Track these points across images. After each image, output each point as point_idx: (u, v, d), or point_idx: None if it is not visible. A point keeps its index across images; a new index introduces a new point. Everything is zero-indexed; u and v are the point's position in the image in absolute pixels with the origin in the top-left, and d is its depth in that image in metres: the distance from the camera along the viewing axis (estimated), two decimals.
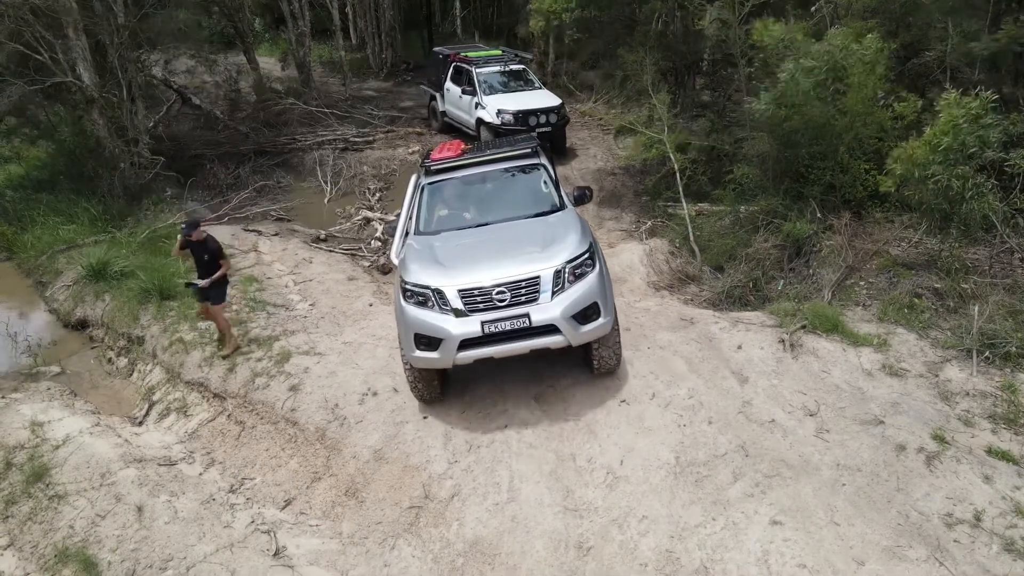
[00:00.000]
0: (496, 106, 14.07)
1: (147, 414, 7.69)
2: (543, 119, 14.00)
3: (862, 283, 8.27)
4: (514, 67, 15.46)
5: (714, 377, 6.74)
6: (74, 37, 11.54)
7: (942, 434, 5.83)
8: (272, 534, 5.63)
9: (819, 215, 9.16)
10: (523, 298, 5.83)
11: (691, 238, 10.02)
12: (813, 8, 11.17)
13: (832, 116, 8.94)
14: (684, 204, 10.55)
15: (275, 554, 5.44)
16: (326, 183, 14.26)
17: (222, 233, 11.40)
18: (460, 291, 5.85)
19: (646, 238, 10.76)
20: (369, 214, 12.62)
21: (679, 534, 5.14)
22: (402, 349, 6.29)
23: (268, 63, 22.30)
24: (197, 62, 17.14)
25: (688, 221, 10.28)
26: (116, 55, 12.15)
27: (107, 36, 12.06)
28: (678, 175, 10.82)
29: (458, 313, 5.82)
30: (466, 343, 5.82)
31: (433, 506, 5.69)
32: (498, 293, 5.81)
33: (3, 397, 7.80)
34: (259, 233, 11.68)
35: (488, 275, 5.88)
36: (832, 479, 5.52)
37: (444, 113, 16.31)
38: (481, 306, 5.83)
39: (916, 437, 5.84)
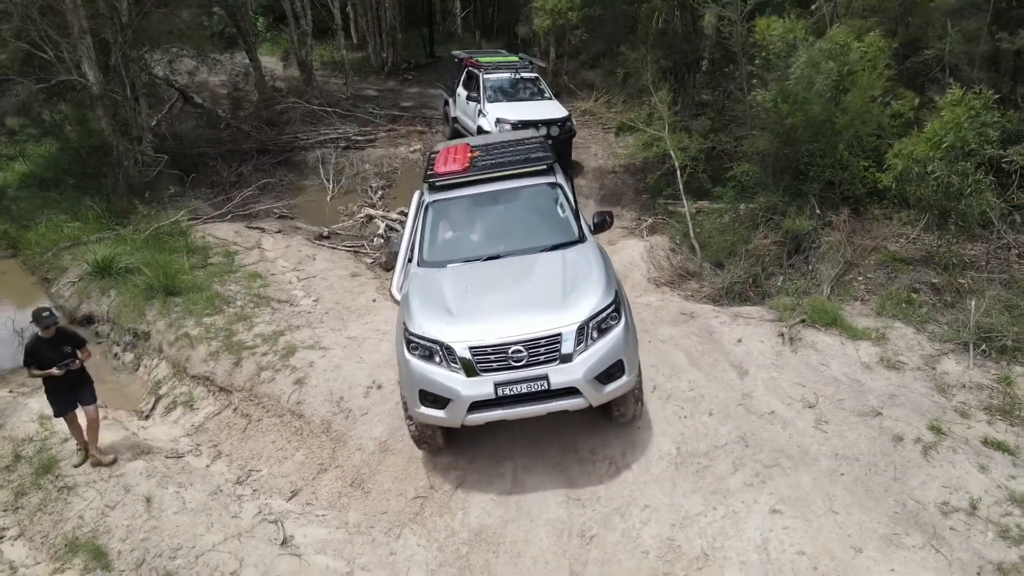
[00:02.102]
0: (497, 114, 13.38)
1: (154, 408, 7.77)
2: (544, 131, 13.23)
3: (860, 278, 8.36)
4: (526, 75, 14.71)
5: (714, 370, 6.83)
6: (79, 36, 11.62)
7: (939, 425, 5.92)
8: (279, 524, 5.72)
9: (818, 212, 9.25)
10: (541, 357, 5.17)
11: (691, 235, 10.11)
12: (813, 7, 11.27)
13: (833, 114, 9.02)
14: (684, 201, 10.63)
15: (283, 543, 5.53)
16: (328, 181, 14.35)
17: (225, 230, 11.54)
18: (472, 348, 5.17)
19: (647, 235, 10.85)
20: (371, 212, 12.71)
21: (680, 523, 5.23)
22: (404, 400, 5.69)
23: (270, 62, 22.38)
24: (199, 62, 17.22)
25: (688, 218, 10.36)
26: (120, 54, 12.23)
27: (111, 35, 12.14)
28: (678, 172, 10.90)
29: (469, 371, 5.18)
30: (477, 404, 5.23)
31: (438, 496, 5.78)
32: (514, 352, 5.14)
33: (11, 392, 7.89)
34: (262, 230, 11.77)
35: (503, 328, 5.21)
36: (830, 469, 5.61)
37: (455, 119, 15.62)
38: (495, 365, 5.17)
39: (913, 428, 5.93)
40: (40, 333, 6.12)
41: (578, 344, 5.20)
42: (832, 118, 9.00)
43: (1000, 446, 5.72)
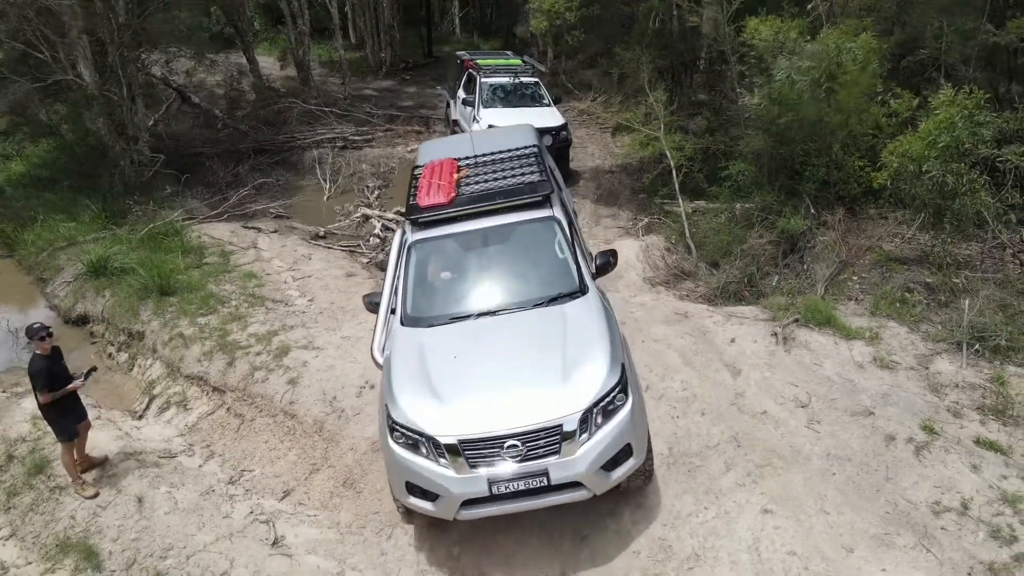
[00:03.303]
0: (490, 121, 12.71)
1: (147, 408, 7.77)
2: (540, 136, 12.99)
3: (855, 278, 8.36)
4: (525, 79, 14.15)
5: (707, 370, 6.83)
6: (75, 36, 11.61)
7: (931, 425, 5.92)
8: (271, 524, 5.71)
9: (813, 211, 9.25)
10: (540, 450, 4.61)
11: (687, 234, 10.10)
12: (809, 6, 11.27)
13: (826, 113, 9.02)
14: (680, 201, 10.63)
15: (274, 543, 5.53)
16: (325, 181, 14.33)
17: (222, 230, 11.53)
18: (462, 441, 4.59)
19: (643, 234, 10.85)
20: (368, 211, 12.70)
21: (672, 522, 5.23)
22: (391, 487, 5.14)
23: (267, 62, 22.35)
24: (196, 61, 17.22)
25: (684, 218, 10.36)
26: (116, 54, 12.22)
27: (107, 35, 12.13)
28: (674, 172, 10.90)
29: (459, 467, 4.61)
30: (471, 500, 4.70)
31: None
32: (510, 447, 4.58)
33: (5, 392, 7.89)
34: (258, 230, 11.76)
35: (497, 418, 4.62)
36: (822, 469, 5.60)
37: (455, 122, 15.00)
38: (488, 459, 4.62)
39: (906, 428, 5.92)
40: (37, 350, 5.91)
41: (581, 434, 4.62)
42: (824, 118, 9.00)
43: (992, 446, 5.72)
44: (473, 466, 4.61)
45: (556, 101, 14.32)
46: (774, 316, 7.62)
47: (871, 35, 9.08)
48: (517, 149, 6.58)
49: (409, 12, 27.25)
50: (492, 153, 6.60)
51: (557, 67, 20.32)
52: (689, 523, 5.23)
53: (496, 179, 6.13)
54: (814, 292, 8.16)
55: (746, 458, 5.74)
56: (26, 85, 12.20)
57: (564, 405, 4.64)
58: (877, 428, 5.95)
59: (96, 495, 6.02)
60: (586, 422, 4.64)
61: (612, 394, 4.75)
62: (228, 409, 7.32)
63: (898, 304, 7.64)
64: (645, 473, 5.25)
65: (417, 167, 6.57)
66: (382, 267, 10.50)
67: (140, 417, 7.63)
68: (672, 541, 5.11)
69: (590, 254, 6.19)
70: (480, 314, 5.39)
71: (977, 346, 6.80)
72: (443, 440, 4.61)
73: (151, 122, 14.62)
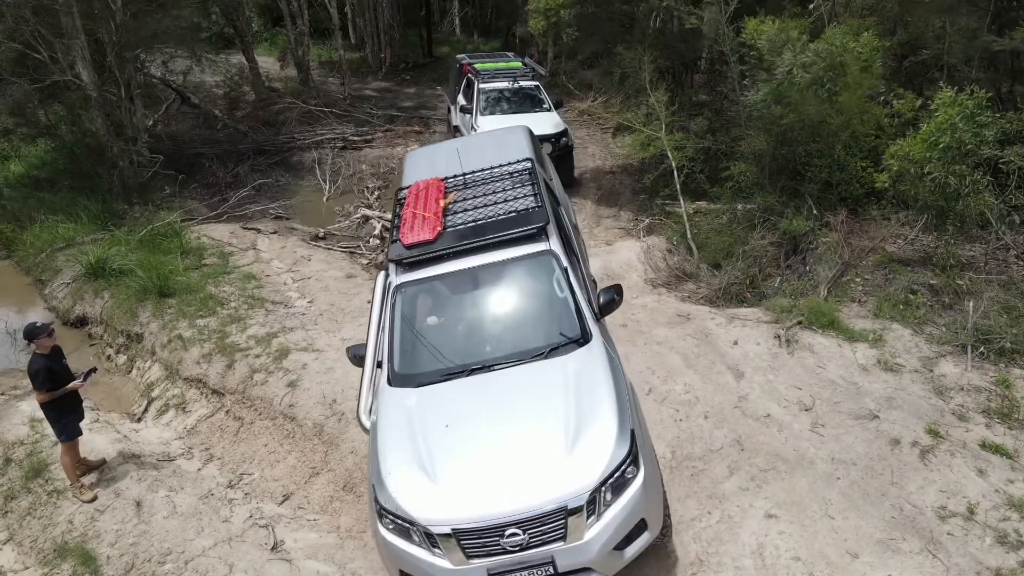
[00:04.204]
0: (486, 128, 12.11)
1: (146, 410, 7.72)
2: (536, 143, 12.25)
3: (858, 280, 8.31)
4: (524, 83, 13.65)
5: (710, 372, 6.78)
6: (73, 36, 11.56)
7: (936, 428, 5.87)
8: (270, 528, 5.67)
9: (816, 212, 9.20)
10: (545, 536, 4.14)
11: (688, 236, 10.06)
12: (811, 6, 11.23)
13: (828, 114, 8.98)
14: (682, 202, 10.58)
15: (273, 548, 5.48)
16: (325, 182, 14.29)
17: (221, 231, 11.48)
18: (457, 531, 4.11)
19: (644, 236, 10.81)
20: (368, 212, 12.66)
21: (674, 527, 5.17)
22: (387, 570, 4.71)
23: (267, 62, 22.32)
24: (195, 61, 17.17)
25: (685, 219, 10.32)
26: (114, 54, 12.17)
27: (106, 35, 12.08)
28: (676, 173, 10.85)
29: (455, 558, 4.17)
30: None
31: None
32: (511, 535, 4.09)
33: (2, 394, 7.84)
34: (258, 231, 11.71)
35: (494, 501, 4.12)
36: (827, 473, 5.55)
37: (456, 127, 14.34)
38: (487, 548, 4.15)
39: (910, 431, 5.87)
40: (37, 349, 5.86)
41: (589, 515, 4.14)
42: (827, 119, 8.96)
43: (998, 450, 5.67)
44: (471, 556, 4.14)
45: (557, 105, 13.96)
46: (777, 318, 7.57)
47: (873, 35, 9.03)
48: (509, 164, 6.08)
49: (409, 12, 27.21)
50: (482, 170, 6.10)
51: (557, 67, 20.29)
52: (692, 528, 5.19)
53: (487, 204, 5.62)
54: (817, 294, 8.11)
55: (750, 462, 5.69)
56: (24, 86, 12.16)
57: (569, 482, 4.14)
58: (882, 432, 5.90)
59: (95, 499, 5.97)
60: (594, 502, 4.14)
61: (622, 468, 4.24)
62: (227, 412, 7.28)
63: (902, 306, 7.59)
64: (665, 535, 4.91)
65: (401, 189, 6.10)
66: (383, 268, 10.44)
67: (139, 420, 7.59)
68: (675, 546, 5.06)
69: (592, 280, 5.78)
70: (473, 368, 4.85)
71: (982, 349, 6.76)
72: (436, 530, 4.13)
73: (150, 122, 14.58)
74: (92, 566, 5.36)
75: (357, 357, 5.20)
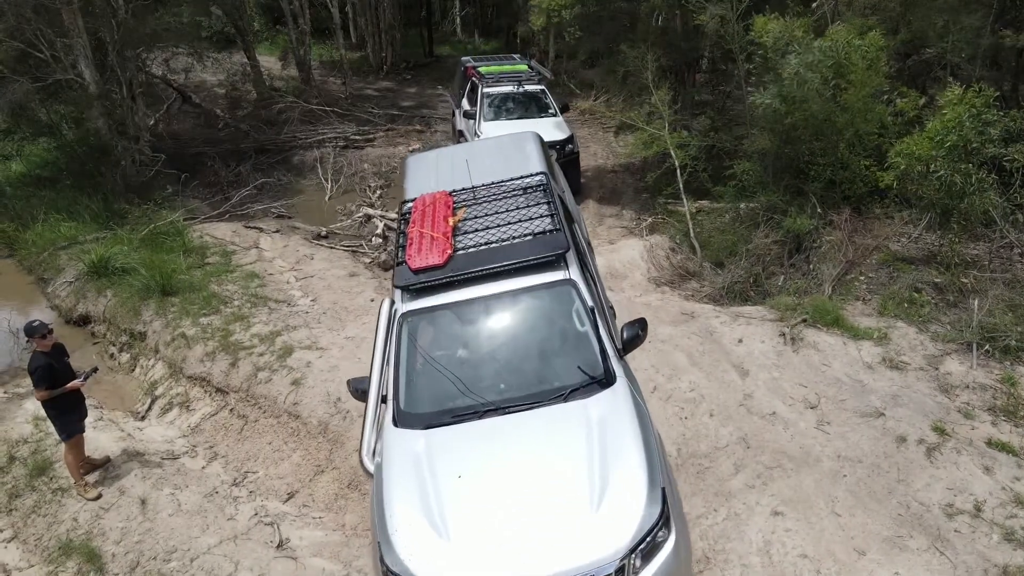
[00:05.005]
0: (489, 133, 11.72)
1: (150, 409, 7.71)
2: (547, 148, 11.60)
3: (862, 278, 8.31)
4: (530, 88, 13.28)
5: (715, 370, 6.77)
6: (75, 34, 11.55)
7: (942, 426, 5.86)
8: (275, 526, 5.66)
9: (819, 211, 9.19)
10: None
11: (691, 234, 10.05)
12: (815, 4, 11.22)
13: (833, 112, 8.97)
14: (685, 201, 10.58)
15: (278, 546, 5.47)
16: (327, 181, 14.28)
17: (223, 230, 11.47)
18: None
19: (647, 234, 10.80)
20: (370, 211, 12.65)
21: None
22: None
23: (268, 62, 22.31)
24: (196, 60, 17.15)
25: (688, 217, 10.31)
26: (116, 53, 12.16)
27: (107, 34, 12.07)
28: (678, 172, 10.84)
29: None
30: None
31: None
32: None
33: (6, 392, 7.83)
34: (260, 230, 11.71)
35: (512, 563, 3.75)
36: (833, 470, 5.55)
37: (460, 132, 13.95)
38: None
39: (916, 429, 5.87)
40: (37, 347, 5.86)
41: None
42: (832, 117, 8.95)
43: (1005, 447, 5.67)
44: None
45: (563, 109, 13.61)
46: (781, 316, 7.57)
47: (877, 33, 9.02)
48: (521, 178, 5.65)
49: (409, 12, 27.25)
50: (492, 183, 5.67)
51: (558, 67, 20.29)
52: (699, 525, 5.18)
53: (500, 224, 5.17)
54: (821, 292, 8.11)
55: (755, 459, 5.68)
56: (26, 84, 12.14)
57: (596, 547, 3.73)
58: (888, 429, 5.89)
59: (99, 496, 5.96)
60: (623, 570, 3.73)
61: (654, 531, 3.82)
62: (231, 410, 7.27)
63: (906, 304, 7.59)
64: None
65: (405, 203, 5.67)
66: (385, 267, 10.46)
67: (142, 418, 7.58)
68: None
69: (611, 308, 5.41)
70: (487, 410, 4.45)
71: (987, 347, 6.75)
72: None
73: (152, 121, 14.57)
74: (97, 563, 5.35)
75: (359, 391, 4.78)
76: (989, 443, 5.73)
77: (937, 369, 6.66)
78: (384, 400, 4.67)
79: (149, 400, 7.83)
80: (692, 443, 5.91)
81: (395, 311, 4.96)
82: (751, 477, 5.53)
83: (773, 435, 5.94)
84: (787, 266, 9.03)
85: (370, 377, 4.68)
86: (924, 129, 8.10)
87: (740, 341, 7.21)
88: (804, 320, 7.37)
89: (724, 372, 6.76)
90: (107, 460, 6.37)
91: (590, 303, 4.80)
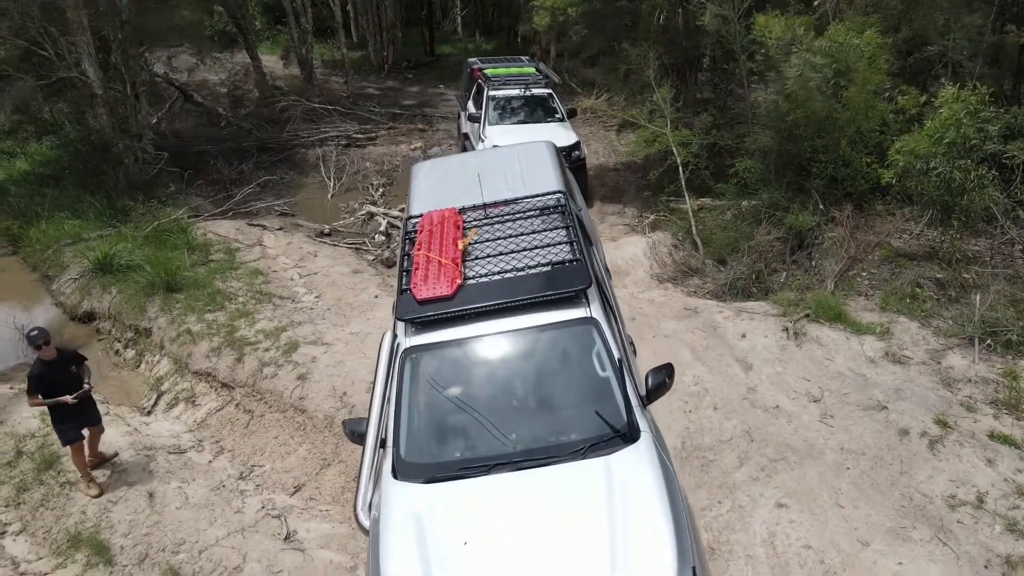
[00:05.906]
0: (495, 141, 11.27)
1: (155, 404, 7.74)
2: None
3: (864, 274, 8.35)
4: (537, 91, 12.93)
5: (719, 364, 6.82)
6: (79, 33, 11.59)
7: (945, 419, 5.91)
8: (283, 519, 5.70)
9: (821, 208, 9.23)
10: None
11: (694, 231, 10.09)
12: (816, 3, 11.26)
13: (834, 110, 9.01)
14: (687, 198, 10.62)
15: (286, 538, 5.51)
16: (329, 179, 14.32)
17: (227, 228, 11.51)
18: None
19: (649, 232, 10.84)
20: (373, 209, 12.68)
21: None
22: None
23: (270, 61, 22.36)
24: (199, 59, 17.20)
25: (691, 215, 10.35)
26: (119, 51, 12.20)
27: (111, 32, 12.11)
28: (680, 169, 10.88)
29: None
30: None
31: None
32: None
33: (12, 388, 7.85)
34: (264, 227, 11.74)
35: None
36: (836, 463, 5.59)
37: (465, 135, 13.46)
38: None
39: (919, 422, 5.91)
40: (39, 355, 5.81)
41: None
42: (833, 114, 9.00)
43: (1007, 440, 5.71)
44: None
45: (571, 115, 13.22)
46: (784, 312, 7.61)
47: (876, 31, 9.07)
48: (537, 196, 5.22)
49: (410, 11, 27.29)
50: (506, 202, 5.25)
51: (560, 66, 20.32)
52: (703, 517, 5.22)
53: (514, 251, 4.70)
54: (823, 288, 8.15)
55: (760, 452, 5.73)
56: (30, 83, 12.18)
57: None
58: (891, 422, 5.94)
59: (100, 494, 5.97)
60: None
61: None
62: (237, 405, 7.30)
63: (908, 300, 7.64)
64: None
65: (411, 219, 5.23)
66: (388, 264, 10.49)
67: (148, 413, 7.61)
68: None
69: (631, 343, 5.03)
70: (496, 464, 3.94)
71: (989, 341, 6.80)
72: None
73: (155, 120, 14.61)
74: (106, 555, 5.39)
75: (355, 434, 4.31)
76: (991, 436, 5.77)
77: (939, 363, 6.70)
78: (383, 444, 4.20)
79: (155, 395, 7.86)
80: (696, 436, 5.95)
81: (397, 345, 4.45)
82: (755, 469, 5.57)
83: (777, 428, 5.98)
84: (789, 262, 9.07)
85: (368, 419, 4.22)
86: (924, 127, 8.15)
87: (743, 336, 7.25)
88: (807, 315, 7.41)
89: (728, 366, 6.80)
90: (115, 455, 6.41)
91: (613, 347, 4.28)
